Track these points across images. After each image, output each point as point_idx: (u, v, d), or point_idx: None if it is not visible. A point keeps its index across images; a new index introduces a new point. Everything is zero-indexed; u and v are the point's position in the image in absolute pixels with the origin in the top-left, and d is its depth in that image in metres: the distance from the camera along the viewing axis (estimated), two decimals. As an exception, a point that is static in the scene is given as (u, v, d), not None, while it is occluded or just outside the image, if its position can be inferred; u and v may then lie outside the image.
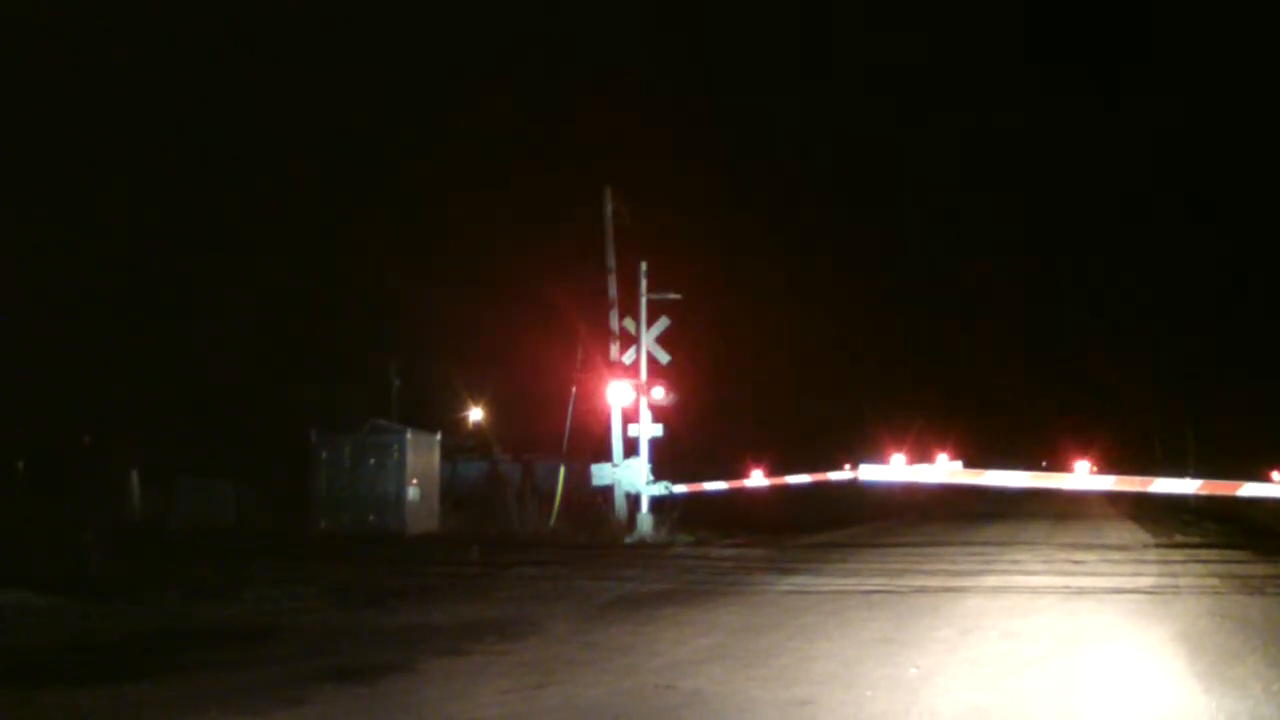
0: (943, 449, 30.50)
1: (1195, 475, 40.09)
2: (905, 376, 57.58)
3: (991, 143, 64.68)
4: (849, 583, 14.28)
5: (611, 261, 24.57)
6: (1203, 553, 18.89)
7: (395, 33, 47.35)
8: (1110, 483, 16.98)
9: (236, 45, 40.66)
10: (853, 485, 22.50)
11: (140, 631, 10.45)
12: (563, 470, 24.77)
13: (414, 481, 23.24)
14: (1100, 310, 60.98)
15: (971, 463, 41.70)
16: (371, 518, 23.02)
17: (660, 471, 23.98)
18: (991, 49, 61.63)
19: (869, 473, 15.75)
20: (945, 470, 19.38)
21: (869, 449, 41.79)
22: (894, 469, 16.75)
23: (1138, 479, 16.06)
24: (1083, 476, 16.07)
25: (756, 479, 23.48)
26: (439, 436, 25.14)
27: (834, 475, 23.68)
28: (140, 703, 7.49)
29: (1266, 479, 14.72)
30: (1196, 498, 37.62)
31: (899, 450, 30.86)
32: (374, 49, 47.80)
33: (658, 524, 23.01)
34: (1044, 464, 73.20)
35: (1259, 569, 15.80)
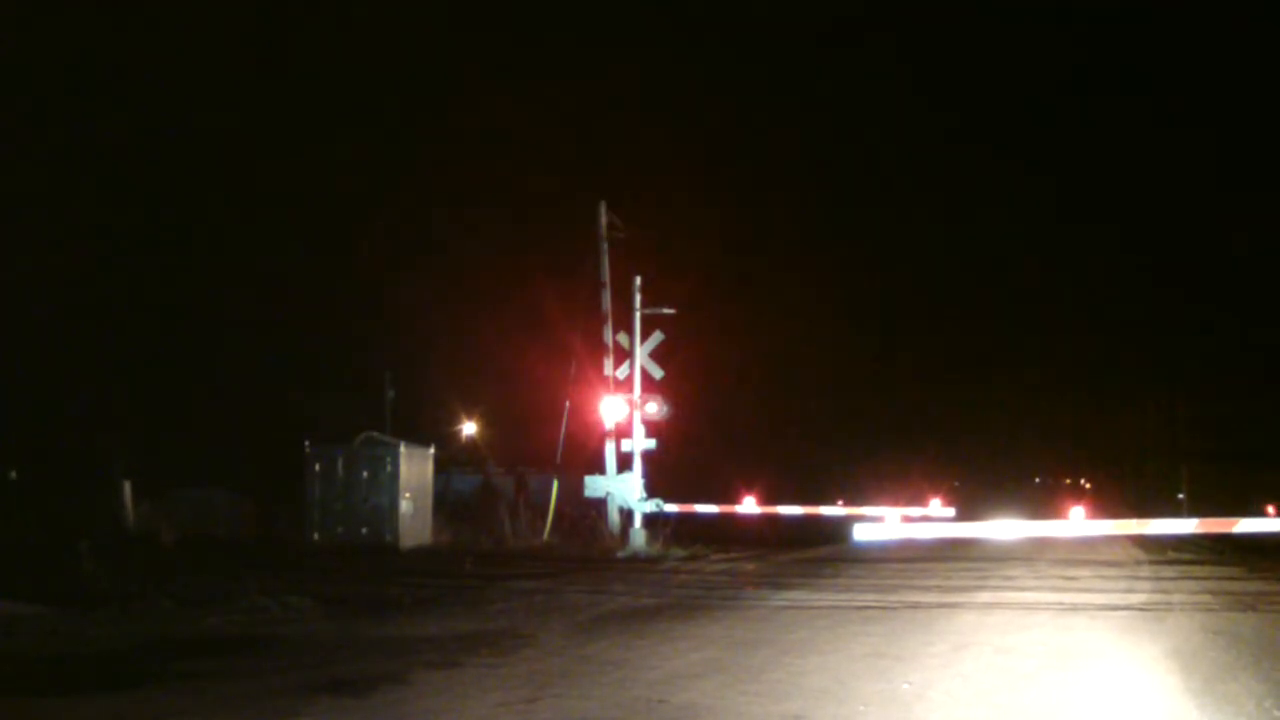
0: (936, 492, 30.59)
1: (1189, 504, 40.33)
2: (901, 390, 57.60)
3: (993, 144, 64.84)
4: (842, 598, 14.28)
5: (605, 275, 24.62)
6: (1196, 569, 18.93)
7: (394, 38, 47.47)
8: (1109, 527, 17.08)
9: (236, 47, 40.74)
10: (843, 532, 22.65)
11: (134, 641, 10.42)
12: (556, 484, 24.76)
13: (407, 494, 23.20)
14: (1100, 311, 61.10)
15: (966, 495, 41.95)
16: (364, 530, 22.97)
17: (654, 487, 24.02)
18: (985, 49, 61.86)
19: (863, 533, 15.81)
20: (941, 527, 19.48)
21: (863, 477, 41.92)
22: (889, 527, 16.83)
23: (1134, 522, 16.12)
24: (1078, 523, 16.14)
25: (748, 506, 23.59)
26: (432, 449, 25.12)
27: (825, 510, 23.82)
28: (133, 713, 7.48)
29: (1262, 512, 14.70)
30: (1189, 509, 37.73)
31: (892, 494, 31.05)
32: (371, 55, 47.90)
33: (651, 538, 23.02)
34: (1036, 480, 73.35)
35: (1251, 585, 15.84)
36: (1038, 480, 73.47)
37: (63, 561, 15.50)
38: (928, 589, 15.21)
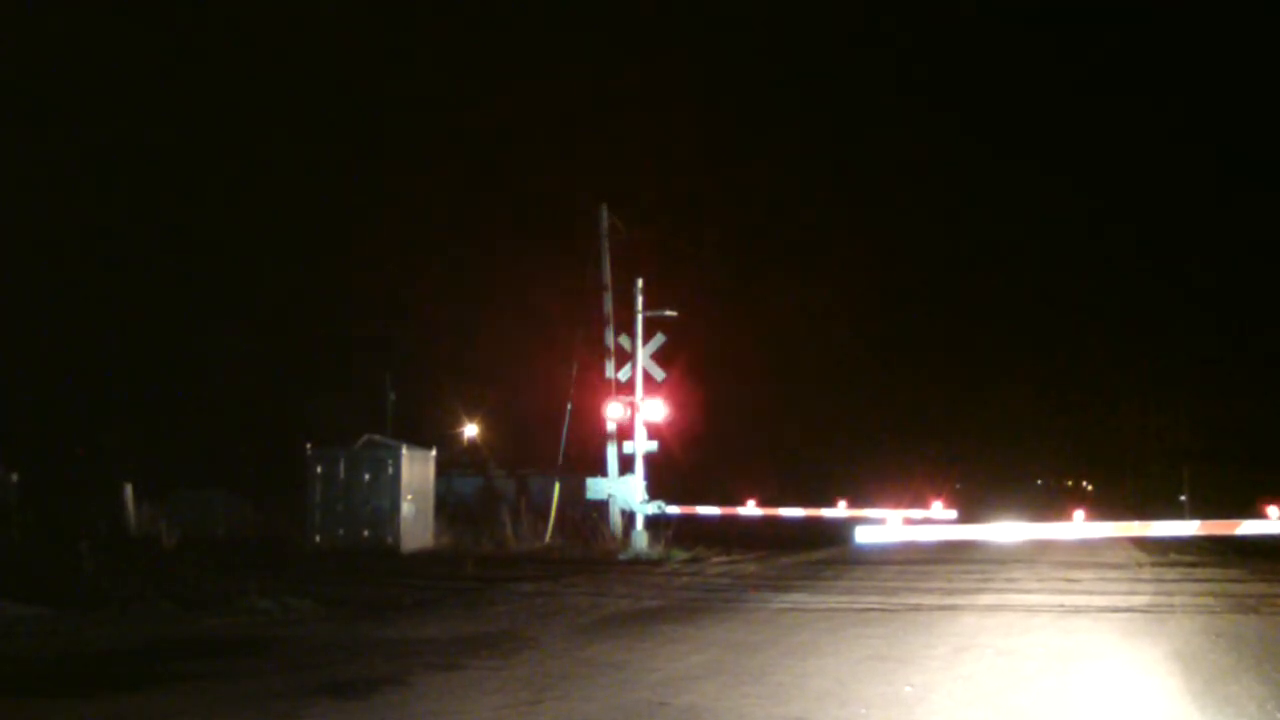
0: (938, 494, 30.53)
1: (1190, 506, 40.31)
2: (903, 392, 57.60)
3: (992, 142, 64.95)
4: (843, 600, 14.26)
5: (607, 278, 24.61)
6: (1197, 571, 18.91)
7: (395, 39, 47.50)
8: (1110, 529, 17.08)
9: (237, 48, 40.79)
10: (844, 534, 22.63)
11: (134, 642, 10.42)
12: (557, 486, 24.74)
13: (409, 496, 23.19)
14: (1102, 313, 61.24)
15: (968, 497, 41.90)
16: (366, 532, 22.95)
17: (656, 489, 24.00)
18: (987, 49, 61.92)
19: (865, 535, 15.73)
20: (942, 529, 19.43)
21: (864, 479, 41.85)
22: (891, 529, 16.76)
23: (1136, 524, 16.09)
24: (1080, 525, 16.10)
25: (750, 508, 23.59)
26: (434, 451, 25.09)
27: (827, 512, 23.80)
28: (134, 714, 7.48)
29: (1261, 513, 14.67)
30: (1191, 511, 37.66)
31: (894, 496, 30.98)
32: (372, 56, 47.92)
33: (652, 540, 22.98)
34: (1038, 482, 73.31)
35: (1253, 588, 15.82)
36: (1039, 482, 73.37)
37: (63, 562, 15.49)
38: (929, 591, 15.19)
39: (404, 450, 23.46)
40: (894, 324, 60.51)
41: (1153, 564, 20.37)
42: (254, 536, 23.79)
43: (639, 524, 23.24)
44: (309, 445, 23.64)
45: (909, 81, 63.25)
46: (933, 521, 22.41)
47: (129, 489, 23.82)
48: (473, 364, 40.47)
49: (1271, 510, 14.22)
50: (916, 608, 13.31)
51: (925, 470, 46.47)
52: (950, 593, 15.01)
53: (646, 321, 24.32)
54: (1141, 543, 24.80)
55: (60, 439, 29.76)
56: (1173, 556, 21.99)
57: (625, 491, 23.66)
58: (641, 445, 23.83)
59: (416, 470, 23.72)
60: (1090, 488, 72.58)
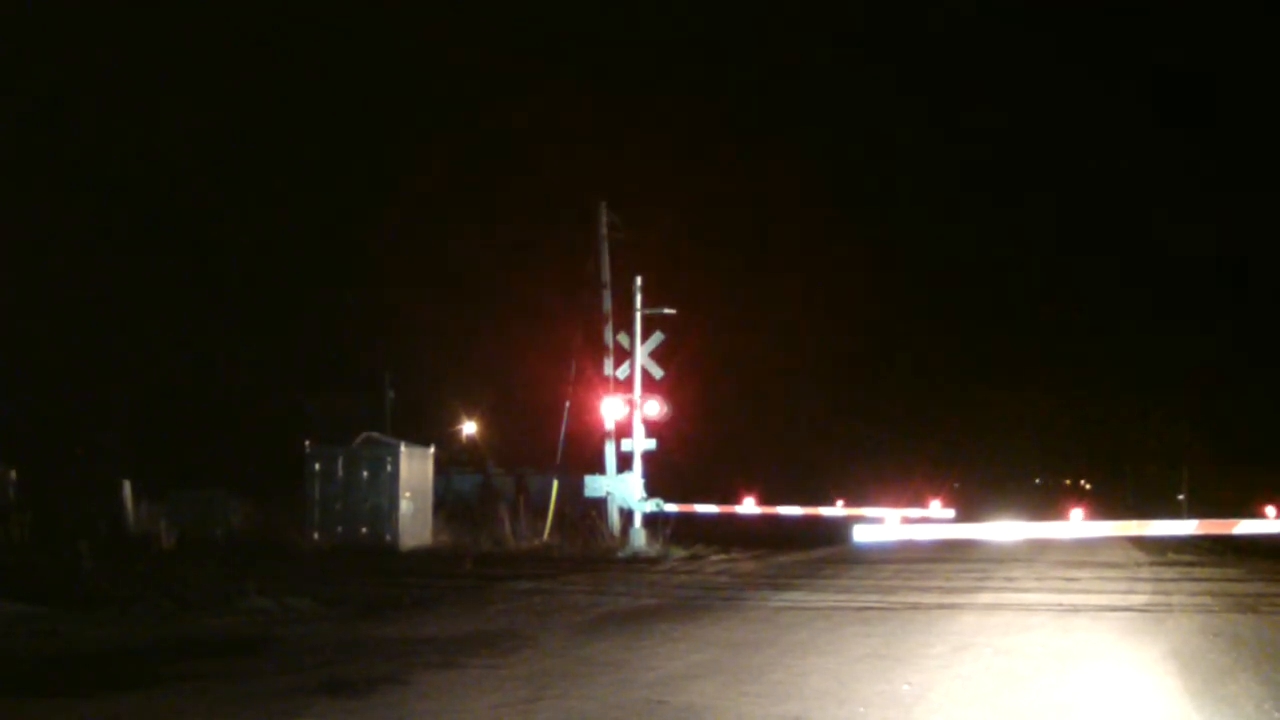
0: (936, 493, 30.49)
1: (1188, 505, 40.42)
2: (901, 391, 57.57)
3: (989, 143, 65.14)
4: (842, 599, 14.28)
5: (606, 276, 24.63)
6: (1195, 570, 18.93)
7: (395, 39, 47.51)
8: (1109, 529, 17.09)
9: (237, 49, 40.80)
10: (843, 533, 22.67)
11: (134, 642, 10.42)
12: (556, 484, 24.75)
13: (407, 494, 23.19)
14: (1101, 312, 61.27)
15: (966, 496, 41.91)
16: (364, 530, 22.95)
17: (654, 487, 24.01)
18: (986, 51, 62.03)
19: (863, 534, 15.71)
20: (941, 529, 19.43)
21: (863, 477, 41.86)
22: (889, 528, 16.76)
23: (1134, 523, 16.12)
24: (1078, 524, 16.10)
25: (748, 506, 23.61)
26: (433, 449, 25.10)
27: (825, 511, 23.81)
28: (134, 714, 7.48)
29: (1259, 513, 14.76)
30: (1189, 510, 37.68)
31: (892, 495, 30.98)
32: (373, 57, 47.93)
33: (651, 538, 23.00)
34: (1036, 481, 73.28)
35: (1251, 587, 15.84)
36: (1038, 481, 73.34)
37: (62, 562, 15.50)
38: (928, 590, 15.21)
39: (402, 448, 23.47)
40: (893, 323, 60.46)
41: (1151, 563, 20.39)
42: (253, 535, 23.79)
43: (637, 522, 23.25)
44: (307, 443, 23.65)
45: (910, 81, 63.31)
46: (931, 520, 22.42)
47: (128, 488, 23.82)
48: (472, 362, 40.50)
49: (1269, 510, 14.28)
50: (915, 606, 13.32)
51: (924, 469, 46.47)
52: (948, 591, 15.03)
53: (645, 319, 24.33)
54: (1140, 542, 24.82)
55: (60, 438, 29.75)
56: (1171, 556, 22.01)
57: (624, 489, 23.68)
58: (640, 443, 23.85)
59: (415, 468, 23.72)
60: (1089, 487, 72.57)
